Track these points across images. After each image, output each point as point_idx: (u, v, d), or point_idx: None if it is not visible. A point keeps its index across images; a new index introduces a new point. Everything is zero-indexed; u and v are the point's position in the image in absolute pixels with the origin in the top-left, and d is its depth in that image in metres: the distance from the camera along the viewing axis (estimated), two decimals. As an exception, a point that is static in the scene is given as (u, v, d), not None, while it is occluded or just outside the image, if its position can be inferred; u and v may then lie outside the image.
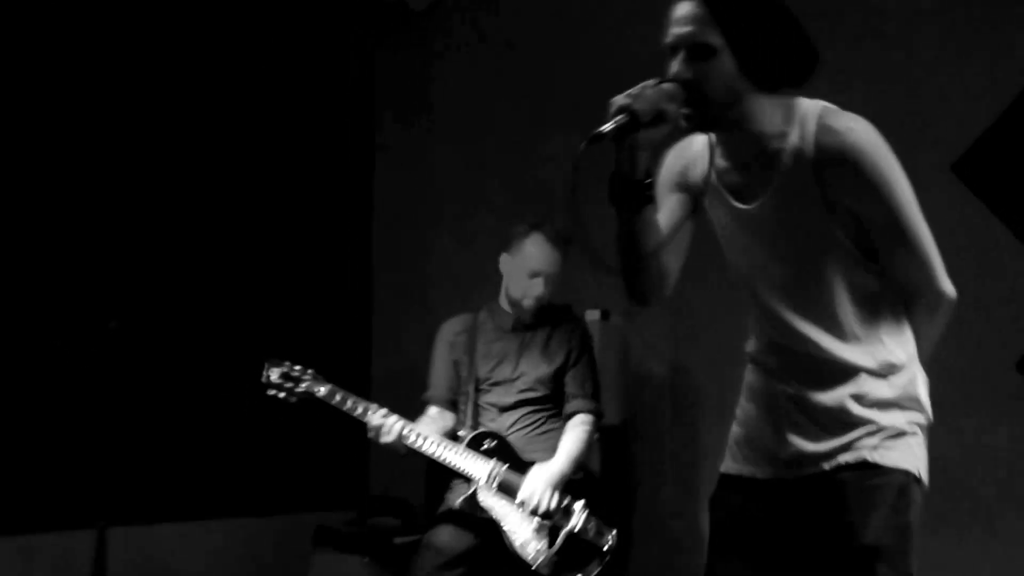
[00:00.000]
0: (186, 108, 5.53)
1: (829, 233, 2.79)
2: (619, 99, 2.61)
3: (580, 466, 4.36)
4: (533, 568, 4.14)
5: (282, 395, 4.26)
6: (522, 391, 4.43)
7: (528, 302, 4.44)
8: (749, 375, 3.03)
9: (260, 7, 5.92)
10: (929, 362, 3.07)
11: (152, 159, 5.35)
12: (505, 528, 4.20)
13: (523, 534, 4.18)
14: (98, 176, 5.11)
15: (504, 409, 4.42)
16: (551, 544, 4.16)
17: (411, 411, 4.43)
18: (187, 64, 5.53)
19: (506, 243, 4.50)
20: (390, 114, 6.71)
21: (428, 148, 6.63)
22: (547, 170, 6.04)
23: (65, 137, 5.02)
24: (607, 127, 2.58)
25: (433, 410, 4.51)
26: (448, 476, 4.43)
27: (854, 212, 2.76)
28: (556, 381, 4.46)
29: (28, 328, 4.80)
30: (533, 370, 4.44)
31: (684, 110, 2.69)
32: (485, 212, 6.23)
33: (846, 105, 2.78)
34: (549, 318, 4.54)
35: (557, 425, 4.47)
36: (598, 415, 4.48)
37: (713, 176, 2.88)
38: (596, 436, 4.53)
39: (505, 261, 4.50)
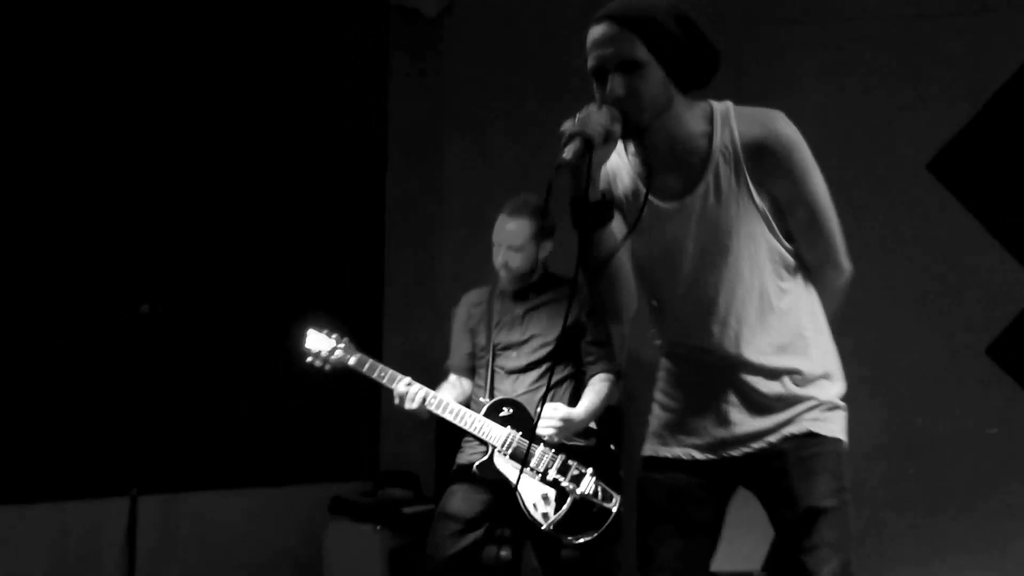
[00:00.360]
0: (219, 105, 5.51)
1: (754, 219, 2.80)
2: (569, 126, 2.60)
3: (592, 433, 4.30)
4: (543, 529, 4.10)
5: (318, 363, 4.27)
6: (531, 354, 4.34)
7: (501, 272, 4.38)
8: (671, 365, 2.99)
9: (291, 13, 5.91)
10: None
11: (184, 155, 5.31)
12: (519, 492, 4.14)
13: (534, 497, 4.13)
14: (135, 175, 5.07)
15: (515, 372, 4.34)
16: (559, 508, 4.10)
17: (428, 376, 4.41)
18: (221, 64, 5.51)
19: None
20: (404, 107, 6.66)
21: (439, 139, 6.61)
22: (549, 160, 6.03)
23: (107, 135, 4.99)
24: (568, 154, 2.54)
25: (452, 377, 4.49)
26: (459, 442, 4.43)
27: (774, 197, 2.77)
28: (564, 342, 4.36)
29: (66, 312, 4.75)
30: (540, 335, 4.34)
31: (623, 124, 2.68)
32: (490, 198, 6.23)
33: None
34: (551, 285, 4.45)
35: (567, 386, 4.39)
36: (619, 375, 4.40)
37: (638, 183, 2.88)
38: (616, 395, 4.46)
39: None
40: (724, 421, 2.86)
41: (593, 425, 4.31)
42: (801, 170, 2.77)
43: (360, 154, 6.42)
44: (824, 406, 2.85)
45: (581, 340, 4.38)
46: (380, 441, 6.40)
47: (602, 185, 2.81)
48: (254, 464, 5.60)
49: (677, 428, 2.94)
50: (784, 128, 2.75)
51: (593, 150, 2.58)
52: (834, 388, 2.88)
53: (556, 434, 4.12)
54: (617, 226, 2.85)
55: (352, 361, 4.25)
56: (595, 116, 2.62)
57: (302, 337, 4.33)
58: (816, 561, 2.76)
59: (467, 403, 4.35)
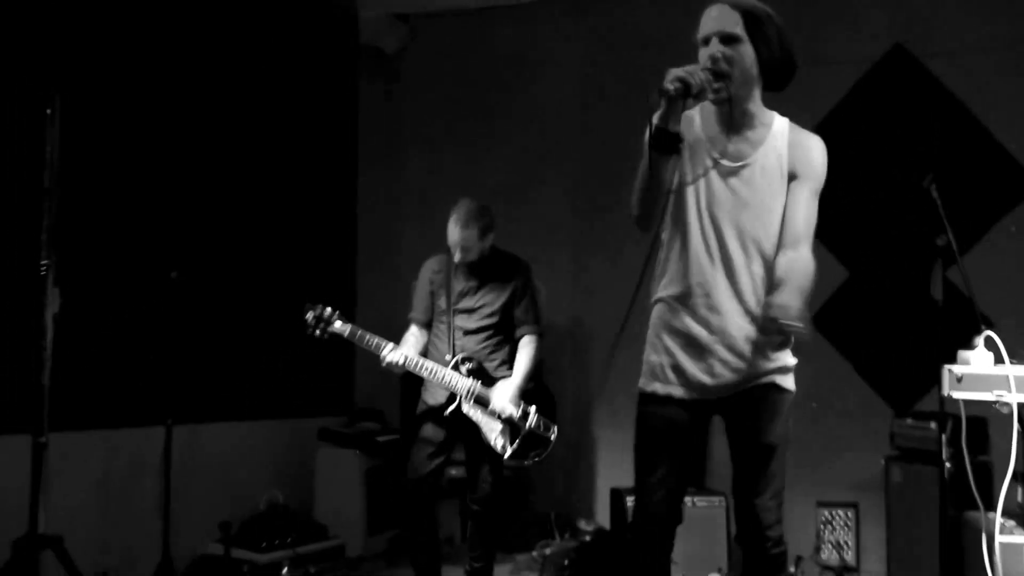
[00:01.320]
0: (236, 121, 5.53)
1: (778, 199, 2.82)
2: (677, 71, 2.59)
3: (532, 378, 4.37)
4: (503, 456, 4.25)
5: (316, 333, 4.19)
6: (482, 319, 4.35)
7: (459, 264, 4.35)
8: (667, 314, 2.93)
9: (286, 55, 5.94)
10: None
11: (205, 161, 5.32)
12: (482, 429, 4.24)
13: (494, 433, 4.24)
14: (170, 179, 5.08)
15: (469, 332, 4.34)
16: (513, 439, 4.25)
17: (390, 331, 4.36)
18: (240, 93, 5.54)
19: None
20: (370, 124, 6.67)
21: (398, 150, 6.62)
22: (487, 169, 6.18)
23: (153, 149, 5.00)
24: (669, 87, 2.54)
25: (414, 327, 4.42)
26: (419, 387, 4.42)
27: (790, 187, 2.81)
28: (505, 312, 4.37)
29: (117, 278, 4.75)
30: (489, 303, 4.35)
31: (716, 85, 2.70)
32: (439, 197, 6.25)
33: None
34: (499, 263, 4.42)
35: (507, 346, 4.41)
36: (541, 335, 4.44)
37: (704, 137, 2.86)
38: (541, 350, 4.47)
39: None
40: (711, 371, 2.84)
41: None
42: (816, 181, 2.82)
43: (337, 162, 6.44)
44: (789, 367, 2.90)
45: (515, 309, 4.40)
46: (355, 385, 6.43)
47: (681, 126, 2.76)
48: (260, 401, 5.60)
49: (672, 370, 2.90)
50: (821, 152, 2.84)
51: (688, 95, 2.58)
52: (790, 356, 2.91)
53: (512, 406, 4.22)
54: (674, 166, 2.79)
55: (346, 332, 4.19)
56: (699, 72, 2.62)
57: (302, 311, 4.24)
58: (765, 483, 2.86)
59: (424, 351, 4.36)
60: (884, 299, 5.22)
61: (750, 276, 2.83)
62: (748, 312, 2.83)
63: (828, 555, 5.05)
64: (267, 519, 5.12)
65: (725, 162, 2.82)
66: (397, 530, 5.55)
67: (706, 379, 2.86)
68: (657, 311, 2.97)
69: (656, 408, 2.93)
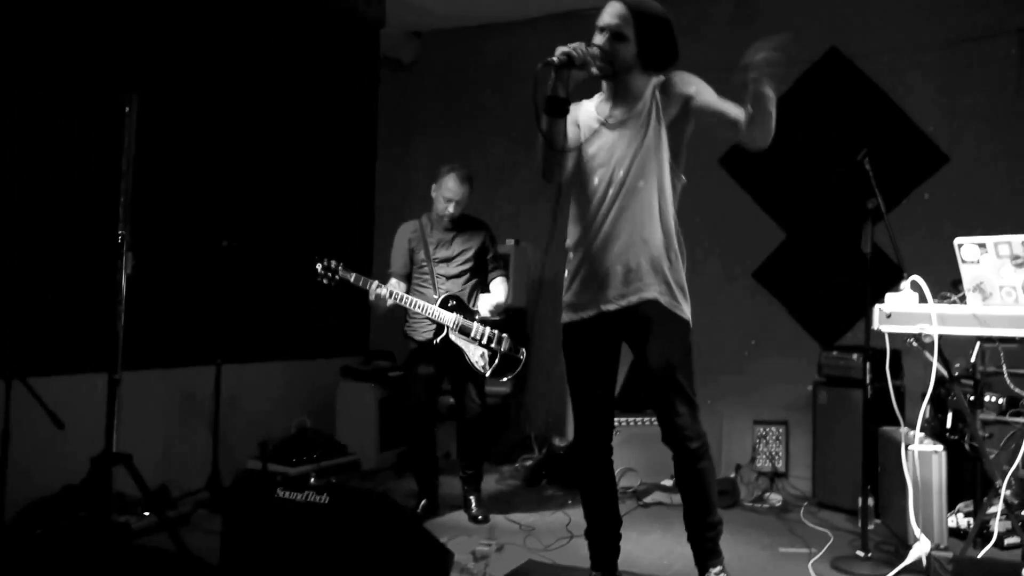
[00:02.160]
0: (279, 119, 5.53)
1: (662, 146, 2.89)
2: (563, 48, 2.69)
3: (505, 311, 4.44)
4: (486, 376, 4.34)
5: (325, 281, 4.18)
6: (460, 264, 4.38)
7: (444, 219, 4.37)
8: (578, 259, 3.03)
9: (322, 67, 5.93)
10: (696, 274, 3.25)
11: (252, 149, 5.32)
12: (466, 353, 4.30)
13: (475, 356, 4.32)
14: (225, 167, 5.07)
15: (450, 277, 4.36)
16: (491, 361, 4.34)
17: None
18: (282, 96, 5.52)
19: (435, 178, 4.41)
20: (387, 119, 6.65)
21: (409, 140, 6.61)
22: (483, 155, 6.17)
23: (207, 130, 4.98)
24: (555, 59, 2.65)
25: (394, 280, 4.38)
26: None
27: (675, 129, 2.89)
28: (478, 257, 4.42)
29: (180, 246, 4.77)
30: (462, 252, 4.39)
31: (600, 64, 2.80)
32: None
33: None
34: (467, 220, 4.47)
35: (480, 287, 4.46)
36: (506, 277, 4.53)
37: (596, 113, 2.96)
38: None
39: (434, 189, 4.42)
40: (605, 295, 2.94)
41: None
42: (700, 86, 2.87)
43: (358, 151, 6.42)
44: (680, 291, 2.97)
45: (486, 256, 4.46)
46: (369, 330, 6.46)
47: (574, 115, 2.91)
48: (292, 344, 5.63)
49: (576, 305, 3.03)
50: (680, 75, 2.89)
51: (571, 66, 2.69)
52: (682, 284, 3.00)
53: (489, 310, 4.33)
54: (573, 135, 2.93)
55: (351, 277, 4.17)
56: (582, 48, 2.72)
57: (311, 267, 4.23)
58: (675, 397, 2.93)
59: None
60: (814, 255, 5.28)
61: (642, 208, 2.91)
62: (644, 240, 2.91)
63: (763, 463, 5.17)
64: (297, 440, 5.17)
65: (611, 121, 2.93)
66: (403, 447, 5.63)
67: (601, 298, 2.95)
68: (571, 256, 3.10)
69: (570, 337, 3.11)
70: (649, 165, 2.89)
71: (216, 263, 4.73)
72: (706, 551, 3.04)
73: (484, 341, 4.33)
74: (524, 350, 4.41)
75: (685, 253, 3.02)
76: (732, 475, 4.97)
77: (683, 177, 3.01)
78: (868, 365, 3.87)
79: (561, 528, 4.21)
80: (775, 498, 4.79)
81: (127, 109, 3.42)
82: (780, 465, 5.16)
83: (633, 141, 2.90)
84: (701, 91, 2.90)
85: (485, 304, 4.37)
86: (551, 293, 6.02)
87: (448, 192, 4.33)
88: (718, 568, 3.03)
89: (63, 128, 4.19)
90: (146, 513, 3.82)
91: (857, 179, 3.93)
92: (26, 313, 3.99)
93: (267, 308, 5.41)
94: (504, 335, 4.37)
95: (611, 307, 2.94)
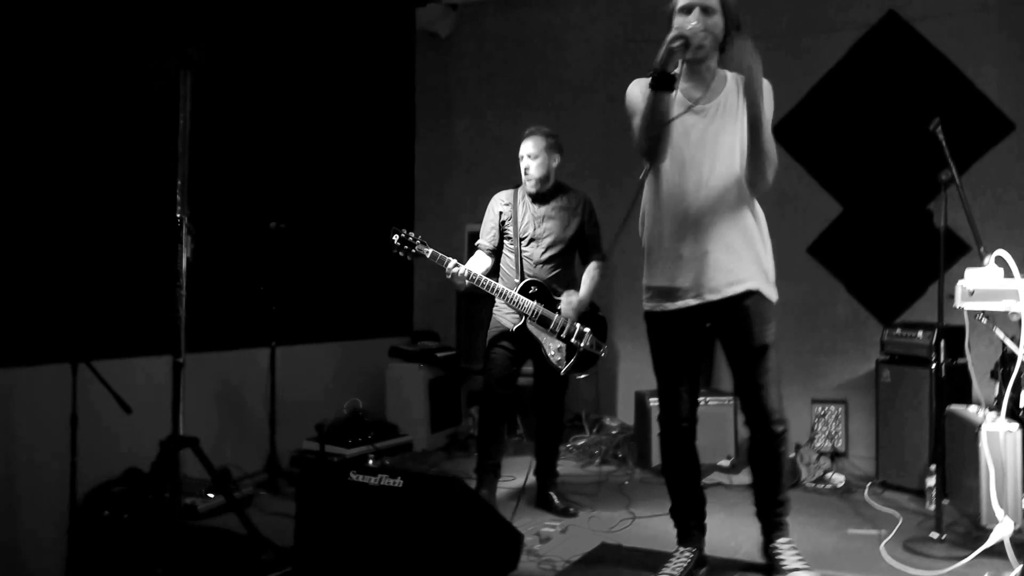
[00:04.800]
0: (317, 92, 5.50)
1: (740, 130, 2.86)
2: (678, 32, 2.67)
3: (590, 303, 4.11)
4: (561, 373, 4.03)
5: (401, 254, 3.89)
6: (547, 249, 4.08)
7: (524, 178, 4.08)
8: (661, 243, 2.97)
9: (366, 44, 5.93)
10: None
11: (303, 136, 5.34)
12: (543, 346, 4.03)
13: (552, 349, 4.03)
14: (270, 140, 5.07)
15: (538, 263, 4.07)
16: (569, 357, 4.04)
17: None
18: (316, 66, 5.49)
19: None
20: (426, 93, 6.63)
21: (449, 114, 6.55)
22: (523, 127, 6.10)
23: (256, 115, 5.00)
24: (676, 44, 2.64)
25: (480, 253, 4.14)
26: (479, 311, 4.32)
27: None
28: (570, 243, 4.11)
29: (232, 228, 4.75)
30: (553, 233, 4.08)
31: (704, 44, 2.79)
32: (484, 150, 6.26)
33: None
34: (564, 195, 4.13)
35: (569, 273, 4.17)
36: (605, 260, 4.16)
37: (682, 95, 2.90)
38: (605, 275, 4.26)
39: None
40: (698, 286, 2.90)
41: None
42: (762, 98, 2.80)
43: (398, 128, 6.42)
44: (769, 276, 2.97)
45: (583, 237, 4.14)
46: (414, 310, 6.46)
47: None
48: (342, 326, 5.64)
49: (660, 293, 2.98)
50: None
51: (687, 48, 2.69)
52: (771, 263, 2.98)
53: (571, 313, 4.00)
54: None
55: (428, 253, 3.86)
56: (694, 27, 2.73)
57: (390, 234, 3.93)
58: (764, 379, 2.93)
59: (489, 274, 4.07)
60: (872, 229, 5.17)
61: (731, 193, 2.87)
62: (735, 225, 2.89)
63: (822, 443, 5.11)
64: (350, 421, 5.18)
65: (697, 105, 2.88)
66: (454, 428, 5.63)
67: (694, 289, 2.92)
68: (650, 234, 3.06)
69: (654, 323, 3.07)
70: (737, 149, 2.87)
71: (265, 245, 4.72)
72: (774, 524, 3.10)
73: (563, 335, 4.04)
74: (605, 347, 4.13)
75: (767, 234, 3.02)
76: (792, 455, 4.91)
77: None
78: (942, 343, 3.79)
79: (622, 509, 4.18)
80: (837, 478, 4.72)
81: (181, 88, 3.38)
82: (840, 445, 5.09)
83: (720, 125, 2.88)
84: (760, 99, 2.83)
85: (568, 304, 4.03)
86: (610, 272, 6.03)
87: (522, 149, 4.06)
88: (785, 539, 3.08)
89: (120, 113, 4.15)
90: (211, 495, 3.83)
91: (920, 149, 3.82)
92: (88, 297, 3.98)
93: (317, 290, 5.39)
94: (586, 330, 4.07)
95: (710, 298, 2.91)
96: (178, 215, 3.36)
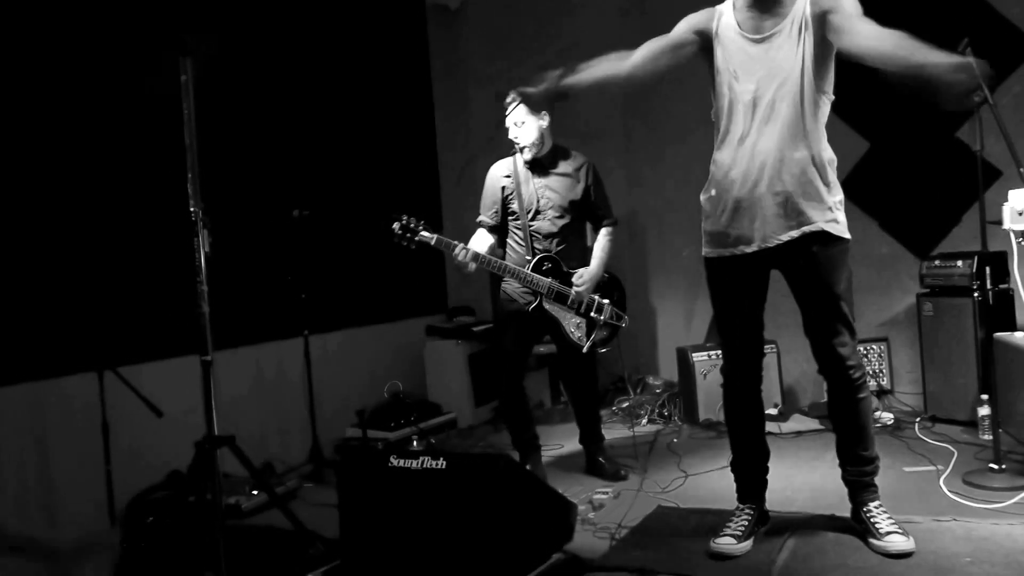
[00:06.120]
0: (330, 75, 5.40)
1: (809, 58, 2.65)
2: None
3: (605, 270, 3.96)
4: (583, 351, 3.86)
5: (404, 243, 3.73)
6: (555, 219, 3.88)
7: (517, 148, 3.87)
8: (720, 185, 2.80)
9: (374, 21, 5.83)
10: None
11: (311, 110, 5.20)
12: (562, 323, 3.86)
13: (571, 326, 3.87)
14: (287, 125, 4.96)
15: (547, 235, 3.88)
16: (590, 332, 3.88)
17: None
18: (327, 50, 5.37)
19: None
20: (440, 67, 6.50)
21: (464, 87, 6.41)
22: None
23: (271, 102, 4.90)
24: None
25: (481, 231, 3.95)
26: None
27: (826, 43, 2.63)
28: (576, 208, 3.92)
29: (255, 217, 4.66)
30: (560, 203, 3.88)
31: None
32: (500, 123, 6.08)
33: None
34: (563, 159, 3.93)
35: (580, 242, 4.04)
36: (615, 224, 4.01)
37: (737, 24, 2.72)
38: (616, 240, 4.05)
39: None
40: (767, 223, 2.72)
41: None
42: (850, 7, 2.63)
43: (416, 107, 6.32)
44: (840, 212, 2.75)
45: (588, 202, 3.94)
46: (447, 287, 6.35)
47: (707, 22, 2.77)
48: (375, 309, 5.56)
49: (722, 234, 2.80)
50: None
51: None
52: (839, 196, 2.76)
53: (584, 291, 3.85)
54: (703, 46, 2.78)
55: (432, 240, 3.70)
56: None
57: (389, 223, 3.78)
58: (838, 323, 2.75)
59: (494, 250, 3.93)
60: (901, 163, 5.01)
61: (794, 129, 2.67)
62: (798, 163, 2.69)
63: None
64: (391, 404, 5.09)
65: (756, 34, 2.69)
66: (498, 401, 5.51)
67: (761, 231, 2.75)
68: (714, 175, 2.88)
69: (715, 270, 2.90)
70: (798, 82, 2.66)
71: (289, 233, 4.59)
72: (863, 485, 2.88)
73: (582, 309, 3.88)
74: (626, 318, 3.98)
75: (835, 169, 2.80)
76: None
77: (832, 94, 2.77)
78: (987, 270, 3.65)
79: (673, 467, 4.05)
80: (886, 416, 4.61)
81: (183, 77, 3.22)
82: (885, 382, 4.95)
83: (781, 56, 2.67)
84: (839, 7, 2.62)
85: (579, 280, 3.86)
86: (627, 230, 5.85)
87: (508, 122, 3.84)
88: (877, 503, 2.86)
89: (128, 113, 4.05)
90: (254, 492, 3.74)
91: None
92: (110, 304, 3.90)
93: (344, 274, 5.29)
94: (605, 301, 3.90)
95: (772, 243, 2.73)
96: (192, 208, 3.23)
